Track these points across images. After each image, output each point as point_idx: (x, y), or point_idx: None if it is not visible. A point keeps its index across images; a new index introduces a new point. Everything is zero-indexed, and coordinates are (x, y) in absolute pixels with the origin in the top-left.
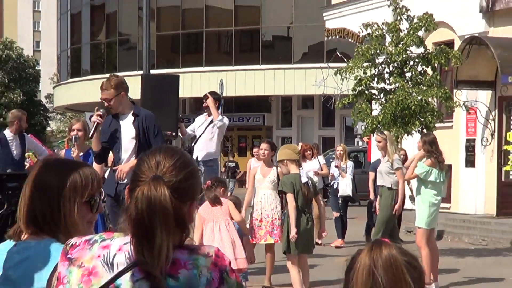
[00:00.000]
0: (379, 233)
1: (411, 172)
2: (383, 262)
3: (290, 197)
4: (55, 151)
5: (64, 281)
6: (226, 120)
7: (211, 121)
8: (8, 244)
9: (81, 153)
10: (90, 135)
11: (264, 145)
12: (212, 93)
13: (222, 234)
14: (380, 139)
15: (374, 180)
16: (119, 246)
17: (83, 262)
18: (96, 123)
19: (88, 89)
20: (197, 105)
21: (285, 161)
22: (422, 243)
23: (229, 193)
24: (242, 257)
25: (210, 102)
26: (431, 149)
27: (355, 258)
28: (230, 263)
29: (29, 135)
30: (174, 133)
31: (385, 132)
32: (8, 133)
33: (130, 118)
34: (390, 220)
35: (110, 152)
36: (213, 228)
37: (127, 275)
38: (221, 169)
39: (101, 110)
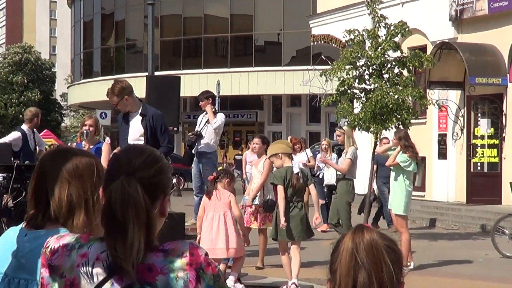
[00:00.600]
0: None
1: (392, 160)
2: (364, 245)
3: (280, 189)
4: (69, 144)
5: None
6: (220, 120)
7: (207, 120)
8: (16, 230)
9: (91, 146)
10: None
11: (256, 140)
12: (205, 92)
13: (219, 224)
14: (340, 133)
15: (376, 172)
16: (96, 255)
17: (64, 272)
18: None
19: (98, 89)
20: (197, 104)
21: (280, 154)
22: (403, 228)
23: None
24: (233, 247)
25: (208, 108)
26: (407, 143)
27: (340, 241)
28: (206, 255)
29: (45, 130)
30: (175, 129)
31: (344, 128)
32: (26, 128)
33: (138, 117)
34: (348, 205)
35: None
36: (212, 218)
37: (107, 285)
38: (231, 161)
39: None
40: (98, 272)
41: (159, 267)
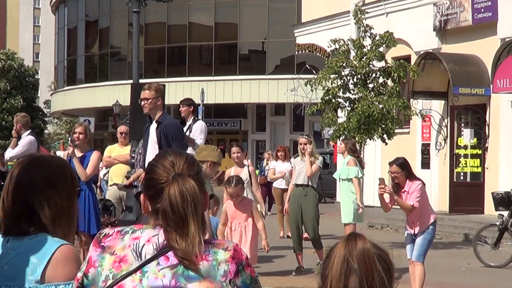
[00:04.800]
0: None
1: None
2: (357, 252)
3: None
4: (51, 151)
5: (96, 265)
6: (199, 137)
7: (188, 128)
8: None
9: (81, 154)
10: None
11: (235, 149)
12: (187, 100)
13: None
14: (306, 141)
15: None
16: (148, 238)
17: (116, 250)
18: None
19: (82, 96)
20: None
21: (210, 162)
22: None
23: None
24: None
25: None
26: (353, 149)
27: (333, 248)
28: (247, 258)
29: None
30: None
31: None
32: None
33: (154, 124)
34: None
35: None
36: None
37: (153, 263)
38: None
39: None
40: (147, 252)
41: (204, 254)
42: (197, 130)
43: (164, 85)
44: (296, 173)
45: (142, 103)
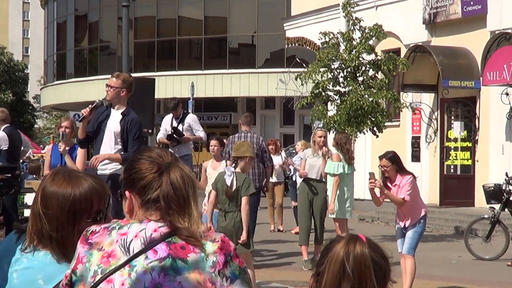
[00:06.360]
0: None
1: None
2: (354, 258)
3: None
4: (41, 146)
5: (84, 260)
6: (202, 131)
7: (180, 122)
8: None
9: (67, 148)
10: (79, 121)
11: (213, 142)
12: (173, 99)
13: None
14: (325, 134)
15: None
16: (135, 233)
17: (103, 246)
18: (83, 115)
19: (72, 91)
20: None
21: (248, 158)
22: (344, 232)
23: None
24: None
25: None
26: (341, 147)
27: (332, 246)
28: (234, 249)
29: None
30: (150, 130)
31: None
32: None
33: (118, 116)
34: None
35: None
36: None
37: (142, 257)
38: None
39: (97, 101)
40: (135, 247)
41: (192, 246)
42: (195, 123)
43: (154, 79)
44: (307, 166)
45: (106, 88)
